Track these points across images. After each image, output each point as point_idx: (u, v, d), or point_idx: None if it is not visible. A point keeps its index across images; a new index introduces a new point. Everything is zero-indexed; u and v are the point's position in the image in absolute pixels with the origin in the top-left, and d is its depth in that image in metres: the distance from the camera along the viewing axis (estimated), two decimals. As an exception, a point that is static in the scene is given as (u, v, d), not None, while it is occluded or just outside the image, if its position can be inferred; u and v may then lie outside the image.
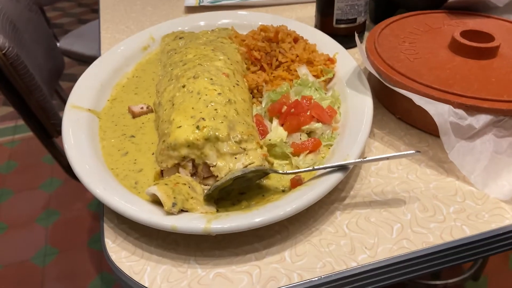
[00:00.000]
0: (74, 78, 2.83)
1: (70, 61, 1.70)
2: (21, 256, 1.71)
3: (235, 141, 0.50)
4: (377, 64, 0.61)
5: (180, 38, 0.75)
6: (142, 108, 0.62)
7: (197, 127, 0.50)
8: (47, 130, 1.17)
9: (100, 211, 0.52)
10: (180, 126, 0.51)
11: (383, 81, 0.60)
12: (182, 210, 0.46)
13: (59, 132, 1.18)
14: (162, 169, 0.51)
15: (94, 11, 3.81)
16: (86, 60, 1.77)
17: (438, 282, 1.43)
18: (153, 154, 0.55)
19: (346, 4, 0.75)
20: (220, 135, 0.50)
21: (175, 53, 0.67)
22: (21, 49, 1.07)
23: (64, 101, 1.54)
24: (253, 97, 0.64)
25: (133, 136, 0.58)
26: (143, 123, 0.61)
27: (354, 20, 0.77)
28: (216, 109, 0.53)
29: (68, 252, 1.74)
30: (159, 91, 0.61)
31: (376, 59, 0.63)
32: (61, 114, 1.15)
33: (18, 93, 1.06)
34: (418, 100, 0.55)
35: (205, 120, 0.51)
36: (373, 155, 0.58)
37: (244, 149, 0.50)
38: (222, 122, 0.51)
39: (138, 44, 0.76)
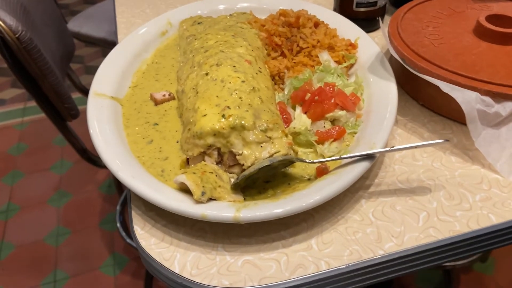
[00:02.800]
0: (82, 60, 2.81)
1: (77, 43, 1.69)
2: (34, 236, 1.74)
3: (261, 130, 0.50)
4: (401, 49, 0.60)
5: (199, 23, 0.74)
6: (164, 95, 0.62)
7: (223, 116, 0.50)
8: (61, 113, 1.17)
9: (128, 198, 0.52)
10: (205, 115, 0.51)
11: (407, 67, 0.59)
12: (210, 199, 0.46)
13: (73, 116, 1.18)
14: (188, 157, 0.52)
15: (99, -10, 3.76)
16: (96, 42, 1.76)
17: (447, 264, 1.45)
18: (177, 142, 0.55)
19: (367, -13, 0.73)
20: (246, 124, 0.49)
21: (195, 39, 0.67)
22: (33, 33, 1.06)
23: (75, 84, 1.53)
24: (275, 83, 0.64)
25: (156, 124, 0.58)
26: (165, 111, 0.61)
27: (375, 3, 0.76)
28: (240, 97, 0.52)
29: (81, 232, 1.77)
30: (181, 78, 0.61)
31: (400, 44, 0.62)
32: (73, 96, 1.16)
33: (31, 77, 1.05)
34: (445, 87, 0.54)
35: (230, 108, 0.51)
36: (396, 142, 0.58)
37: (270, 138, 0.50)
38: (248, 111, 0.51)
39: (156, 30, 0.75)
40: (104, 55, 0.69)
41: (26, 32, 0.96)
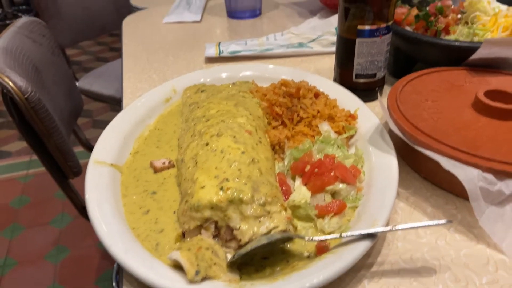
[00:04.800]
0: (89, 114, 2.88)
1: (85, 98, 1.73)
2: (29, 293, 1.69)
3: (259, 204, 0.49)
4: (401, 123, 0.61)
5: (202, 91, 0.76)
6: (164, 163, 0.62)
7: (221, 188, 0.50)
8: (63, 171, 1.17)
9: (120, 273, 0.50)
10: (203, 187, 0.51)
11: (407, 141, 0.59)
12: (204, 277, 0.45)
13: (75, 174, 1.18)
14: (184, 230, 0.51)
15: (112, 49, 3.93)
16: (105, 100, 1.80)
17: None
18: (174, 212, 0.55)
19: (365, 60, 0.76)
20: (244, 198, 0.49)
21: (198, 107, 0.68)
22: (43, 92, 1.09)
23: (80, 140, 1.55)
24: (274, 153, 0.64)
25: (154, 193, 0.58)
26: (164, 179, 0.60)
27: (374, 75, 0.78)
28: (239, 169, 0.52)
29: (76, 290, 1.71)
30: (181, 147, 0.61)
31: (399, 117, 0.62)
32: (75, 150, 1.17)
33: (36, 134, 1.07)
34: (445, 163, 0.54)
35: (228, 180, 0.50)
36: (399, 218, 0.57)
37: (268, 212, 0.49)
38: (246, 184, 0.50)
39: (160, 96, 0.77)
40: (112, 110, 0.70)
41: (36, 92, 0.99)
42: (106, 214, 0.51)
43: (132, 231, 0.52)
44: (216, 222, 0.50)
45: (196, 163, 0.55)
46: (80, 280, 1.75)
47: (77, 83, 1.87)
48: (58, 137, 1.08)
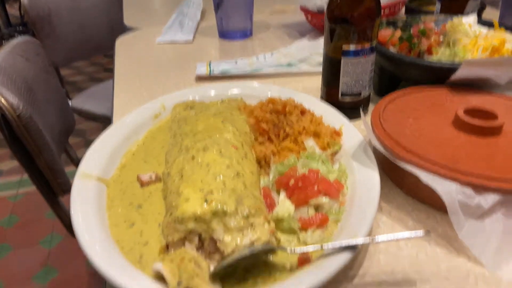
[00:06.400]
0: (81, 134, 2.88)
1: (78, 117, 1.74)
2: (13, 318, 1.66)
3: (243, 216, 0.50)
4: (383, 139, 0.62)
5: (191, 107, 0.77)
6: (150, 177, 0.63)
7: (205, 200, 0.50)
8: (53, 188, 1.17)
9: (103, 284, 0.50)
10: (188, 199, 0.51)
11: (389, 157, 0.61)
12: (187, 288, 0.45)
13: (64, 191, 1.18)
14: (167, 242, 0.51)
15: (106, 70, 3.97)
16: (96, 119, 1.82)
17: None
18: (159, 225, 0.55)
19: (350, 78, 0.78)
20: (228, 210, 0.50)
21: (186, 124, 0.69)
22: (34, 110, 1.10)
23: (71, 159, 1.55)
24: (260, 167, 0.65)
25: (140, 207, 0.58)
26: (150, 193, 0.61)
27: (359, 93, 0.80)
28: (224, 182, 0.53)
29: (63, 313, 1.68)
30: (168, 161, 0.62)
31: (382, 134, 0.64)
32: (67, 170, 1.17)
33: (27, 152, 1.07)
34: (424, 177, 0.55)
35: (213, 193, 0.51)
36: (381, 231, 0.58)
37: (252, 224, 0.50)
38: (230, 196, 0.51)
39: (150, 113, 0.78)
40: (105, 129, 0.71)
41: (27, 110, 1.00)
42: (90, 226, 0.52)
43: (117, 244, 0.52)
44: (200, 234, 0.50)
45: (182, 176, 0.56)
46: (68, 301, 1.72)
47: (70, 102, 1.89)
48: (48, 154, 1.09)
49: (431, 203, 0.61)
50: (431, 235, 0.56)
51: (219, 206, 0.50)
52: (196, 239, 0.51)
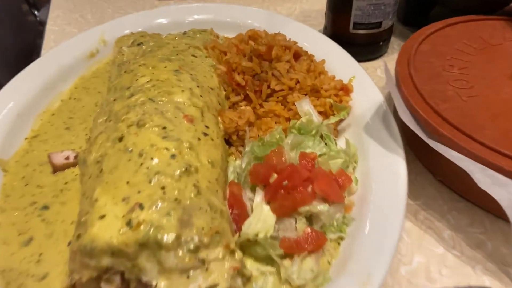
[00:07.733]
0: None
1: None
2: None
3: (189, 249, 0.31)
4: (414, 103, 0.41)
5: (139, 44, 0.54)
6: (67, 158, 0.43)
7: (128, 222, 0.31)
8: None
9: None
10: (103, 216, 0.32)
11: (420, 135, 0.40)
12: None
13: None
14: (73, 282, 0.33)
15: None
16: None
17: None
18: (69, 244, 0.37)
19: (369, 3, 0.54)
20: (165, 240, 0.30)
21: (126, 72, 0.47)
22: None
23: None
24: (230, 145, 0.45)
25: (46, 208, 0.39)
26: (66, 183, 0.42)
27: (379, 24, 0.56)
28: (163, 187, 0.33)
29: None
30: (90, 137, 0.41)
31: (412, 94, 0.43)
32: None
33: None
34: (480, 177, 0.35)
35: (143, 208, 0.32)
36: (404, 247, 0.39)
37: (203, 262, 0.32)
38: (170, 214, 0.32)
39: (83, 49, 0.56)
40: None
41: None
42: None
43: (0, 276, 0.34)
44: (122, 273, 0.32)
45: (101, 170, 0.36)
46: None
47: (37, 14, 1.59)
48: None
49: (478, 200, 0.42)
50: (477, 256, 0.38)
51: (150, 234, 0.30)
52: (117, 279, 0.32)
